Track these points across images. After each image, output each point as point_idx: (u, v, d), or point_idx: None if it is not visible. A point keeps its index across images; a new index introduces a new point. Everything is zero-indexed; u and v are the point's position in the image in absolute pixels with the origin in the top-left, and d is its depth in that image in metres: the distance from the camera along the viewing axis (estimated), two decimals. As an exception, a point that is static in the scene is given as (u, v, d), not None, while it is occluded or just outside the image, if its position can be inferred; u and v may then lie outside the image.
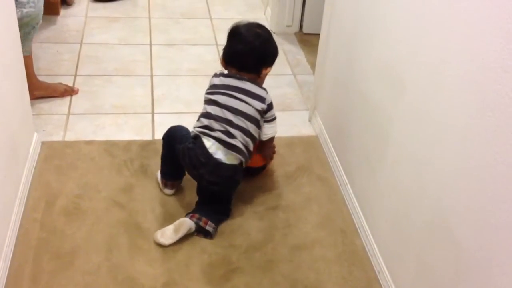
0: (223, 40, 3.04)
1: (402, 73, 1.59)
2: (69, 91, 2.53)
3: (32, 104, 2.15)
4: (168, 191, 2.02)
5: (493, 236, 1.17)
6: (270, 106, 1.94)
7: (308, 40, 3.14)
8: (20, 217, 1.84)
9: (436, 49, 1.40)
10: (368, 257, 1.83)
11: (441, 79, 1.37)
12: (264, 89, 1.94)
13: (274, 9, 3.19)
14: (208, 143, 1.83)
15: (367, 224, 1.87)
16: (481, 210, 1.21)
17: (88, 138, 2.26)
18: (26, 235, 1.80)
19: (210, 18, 3.35)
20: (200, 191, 1.96)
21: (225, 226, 1.91)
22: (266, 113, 1.93)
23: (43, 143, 2.19)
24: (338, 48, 2.16)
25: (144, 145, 2.24)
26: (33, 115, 2.19)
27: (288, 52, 3.03)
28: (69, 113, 2.40)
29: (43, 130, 2.26)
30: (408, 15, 1.55)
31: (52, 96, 2.49)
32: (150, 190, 2.02)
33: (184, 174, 2.03)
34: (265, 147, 2.04)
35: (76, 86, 2.58)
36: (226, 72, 1.96)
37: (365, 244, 1.87)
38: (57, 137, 2.25)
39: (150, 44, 3.00)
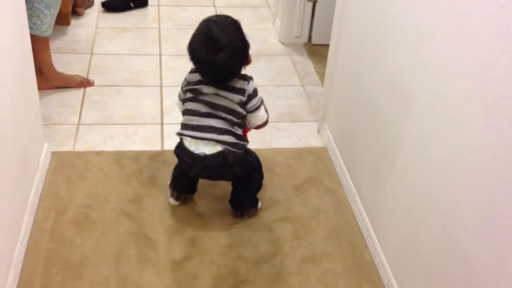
0: (232, 51, 3.08)
1: (410, 85, 1.59)
2: (85, 83, 2.66)
3: (42, 114, 2.17)
4: (173, 201, 2.01)
5: (504, 252, 1.17)
6: (251, 96, 1.85)
7: (317, 51, 3.14)
8: (30, 228, 1.85)
9: (445, 61, 1.39)
10: (377, 270, 1.83)
11: (450, 91, 1.37)
12: (245, 78, 1.85)
13: (283, 20, 3.21)
14: (187, 142, 1.82)
15: (376, 236, 1.86)
16: (491, 225, 1.21)
17: (97, 149, 2.27)
18: (35, 246, 1.81)
19: (219, 28, 3.35)
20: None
21: (234, 237, 1.91)
22: (246, 104, 1.84)
23: (53, 153, 2.20)
24: (347, 59, 2.17)
25: (153, 156, 2.25)
26: (44, 125, 2.20)
27: (297, 63, 3.04)
28: (79, 123, 2.41)
29: (53, 140, 2.28)
30: (416, 27, 1.55)
31: (68, 86, 2.61)
32: (159, 201, 2.03)
33: (196, 190, 2.04)
34: (258, 129, 2.01)
35: (86, 96, 2.60)
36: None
37: (374, 257, 1.86)
38: (67, 147, 2.26)
39: (160, 55, 3.01)
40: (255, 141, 2.39)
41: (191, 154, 1.81)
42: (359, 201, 2.01)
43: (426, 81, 1.50)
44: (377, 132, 1.86)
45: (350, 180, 2.10)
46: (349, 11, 2.11)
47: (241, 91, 1.83)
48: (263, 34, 3.33)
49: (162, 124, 2.46)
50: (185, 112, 1.87)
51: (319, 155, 2.34)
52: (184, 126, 1.86)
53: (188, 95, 1.87)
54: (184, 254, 1.83)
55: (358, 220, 2.01)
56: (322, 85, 2.61)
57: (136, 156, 2.24)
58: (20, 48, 1.84)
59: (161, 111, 2.55)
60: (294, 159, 2.31)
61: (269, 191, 2.13)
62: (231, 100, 1.81)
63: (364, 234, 1.95)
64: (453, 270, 1.37)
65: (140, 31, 3.25)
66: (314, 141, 2.44)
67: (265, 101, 2.73)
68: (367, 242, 1.92)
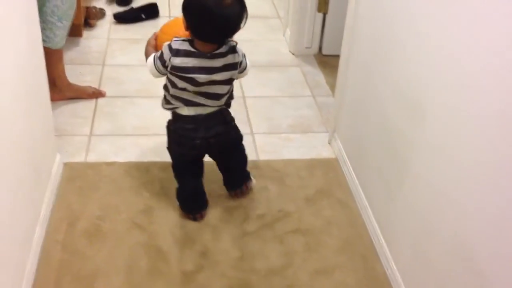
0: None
1: (421, 98, 1.59)
2: (96, 94, 2.70)
3: (54, 125, 2.18)
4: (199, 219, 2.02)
5: (519, 267, 1.16)
6: (242, 63, 1.88)
7: (328, 61, 3.15)
8: (42, 239, 1.86)
9: (456, 73, 1.39)
10: (389, 283, 1.81)
11: (462, 103, 1.36)
12: (235, 50, 1.84)
13: (294, 30, 3.21)
14: (185, 110, 1.87)
15: (388, 249, 1.85)
16: (505, 236, 1.20)
17: (109, 160, 2.28)
18: (47, 257, 1.81)
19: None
20: (220, 166, 2.09)
21: (245, 249, 1.91)
22: (237, 71, 1.88)
23: (65, 164, 2.22)
24: (357, 70, 2.17)
25: (164, 167, 2.25)
26: (56, 136, 2.21)
27: (307, 74, 3.04)
28: (91, 134, 2.43)
29: (66, 151, 2.29)
30: (427, 39, 1.55)
31: (81, 97, 2.66)
32: (170, 213, 2.03)
33: (207, 203, 2.06)
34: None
35: (97, 108, 2.61)
36: (191, 48, 1.78)
37: (386, 269, 1.85)
38: (79, 158, 2.28)
39: (171, 66, 3.02)
40: (265, 152, 2.40)
41: (192, 117, 1.86)
42: (370, 213, 2.00)
43: (437, 92, 1.50)
44: (388, 143, 1.85)
45: (361, 192, 2.10)
46: (360, 22, 2.12)
47: (234, 66, 1.85)
48: (273, 45, 3.34)
49: (173, 135, 2.47)
50: (174, 86, 1.85)
51: (330, 167, 2.34)
52: (177, 98, 1.87)
53: (176, 79, 1.82)
54: (195, 266, 1.83)
55: (369, 232, 2.00)
56: (333, 95, 2.61)
57: (148, 167, 2.25)
58: (33, 61, 1.86)
59: (172, 122, 2.56)
60: (305, 171, 2.30)
61: (280, 203, 2.12)
62: (226, 76, 1.83)
63: (376, 247, 1.94)
64: (466, 282, 1.36)
65: (151, 42, 3.27)
66: (325, 152, 2.43)
67: (275, 113, 2.74)
68: (379, 254, 1.91)
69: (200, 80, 1.79)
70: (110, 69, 2.95)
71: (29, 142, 1.77)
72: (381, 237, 1.90)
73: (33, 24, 1.86)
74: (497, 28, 1.22)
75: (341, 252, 1.93)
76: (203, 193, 2.05)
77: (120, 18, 3.47)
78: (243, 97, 2.79)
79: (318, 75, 3.04)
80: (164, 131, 2.48)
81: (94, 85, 2.77)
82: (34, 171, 1.82)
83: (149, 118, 2.57)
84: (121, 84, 2.83)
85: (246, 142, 2.43)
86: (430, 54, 1.55)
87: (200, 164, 2.05)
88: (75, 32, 3.18)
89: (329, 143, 2.48)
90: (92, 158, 2.29)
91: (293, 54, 3.24)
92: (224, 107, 1.92)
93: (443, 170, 1.47)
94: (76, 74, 2.86)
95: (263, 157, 2.38)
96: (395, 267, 1.79)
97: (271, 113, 2.68)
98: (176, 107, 1.89)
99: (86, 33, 3.29)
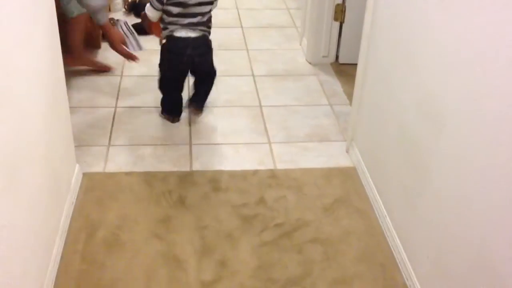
0: (260, 71, 3.11)
1: (441, 107, 1.58)
2: (103, 67, 3.01)
3: (74, 137, 2.20)
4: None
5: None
6: None
7: (345, 70, 3.14)
8: (62, 249, 1.87)
9: (477, 82, 1.38)
10: (409, 293, 1.80)
11: (483, 113, 1.35)
12: None
13: (310, 39, 3.21)
14: (178, 32, 2.42)
15: (408, 259, 1.83)
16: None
17: (128, 169, 2.29)
18: (67, 267, 1.82)
19: (247, 49, 3.38)
20: (195, 81, 2.67)
21: (263, 259, 1.90)
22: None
23: (84, 174, 2.23)
24: (375, 79, 2.16)
25: (182, 177, 2.26)
26: (75, 146, 2.23)
27: (324, 83, 3.04)
28: (109, 144, 2.44)
29: (84, 162, 2.31)
30: (445, 48, 1.54)
31: (91, 67, 2.99)
32: (188, 222, 2.03)
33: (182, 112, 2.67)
34: None
35: (116, 118, 2.63)
36: None
37: (405, 280, 1.83)
38: (98, 168, 2.29)
39: (188, 76, 3.03)
40: (283, 161, 2.40)
41: (183, 39, 2.42)
42: (390, 222, 1.99)
43: (457, 102, 1.48)
44: (407, 153, 1.84)
45: (380, 201, 2.08)
46: (377, 31, 2.11)
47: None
48: (290, 54, 3.34)
49: (190, 145, 2.48)
50: (170, 15, 2.40)
51: (348, 175, 2.32)
52: (172, 23, 2.41)
53: (172, 7, 2.38)
54: (213, 275, 1.83)
55: (389, 242, 1.98)
56: (350, 104, 2.60)
57: (165, 177, 2.25)
58: (53, 72, 1.88)
59: (189, 132, 2.57)
60: (323, 179, 2.30)
61: (298, 212, 2.11)
62: (207, 1, 2.41)
63: (395, 256, 1.92)
64: (489, 294, 1.34)
65: (168, 53, 3.28)
66: (343, 161, 2.42)
67: (293, 122, 2.74)
68: (399, 264, 1.89)
69: (190, 2, 2.36)
70: (128, 80, 2.98)
71: (49, 153, 1.79)
72: (401, 247, 1.88)
73: (54, 36, 1.88)
74: (517, 35, 1.21)
75: (360, 261, 1.91)
76: (181, 104, 2.65)
77: (137, 30, 3.49)
78: (260, 106, 2.79)
79: (335, 84, 3.04)
80: (181, 140, 2.50)
81: (112, 96, 2.80)
82: (53, 181, 1.84)
83: (167, 128, 2.59)
84: (138, 95, 2.84)
85: (263, 151, 2.45)
86: (449, 63, 1.53)
87: (182, 83, 2.62)
88: (93, 43, 3.22)
89: (346, 152, 2.47)
90: (111, 168, 2.30)
91: (310, 63, 3.24)
92: (207, 33, 2.48)
93: (465, 180, 1.46)
94: (94, 85, 2.89)
95: (280, 166, 2.38)
96: (415, 278, 1.77)
97: (288, 122, 2.68)
98: (172, 31, 2.42)
99: (104, 45, 3.31)
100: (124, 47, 2.79)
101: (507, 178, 1.26)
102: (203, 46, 2.50)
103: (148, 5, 2.44)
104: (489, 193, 1.34)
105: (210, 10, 2.47)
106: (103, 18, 2.64)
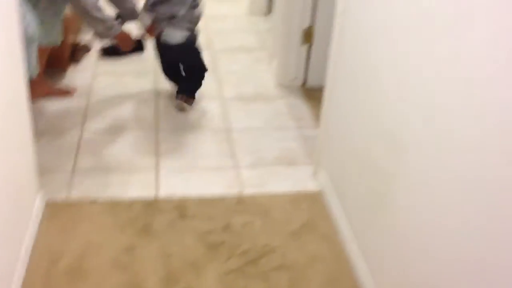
0: (229, 94, 3.10)
1: (402, 133, 1.59)
2: (65, 92, 2.95)
3: (37, 161, 2.16)
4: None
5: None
6: None
7: (313, 93, 3.15)
8: (22, 279, 1.83)
9: (437, 108, 1.39)
10: (375, 319, 1.79)
11: (443, 139, 1.36)
12: None
13: (279, 62, 3.23)
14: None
15: (374, 283, 1.83)
16: (486, 276, 1.19)
17: (92, 197, 2.25)
18: (27, 299, 1.78)
19: (216, 72, 3.38)
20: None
21: (229, 287, 1.88)
22: None
23: (47, 202, 2.19)
24: (341, 103, 2.17)
25: (148, 204, 2.23)
26: (38, 172, 2.19)
27: (293, 106, 3.05)
28: (74, 171, 2.41)
29: (47, 189, 2.26)
30: (406, 74, 1.56)
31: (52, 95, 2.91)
32: (153, 250, 2.00)
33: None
34: None
35: (81, 143, 2.60)
36: None
37: (371, 306, 1.83)
38: (61, 196, 2.25)
39: (156, 99, 3.02)
40: (251, 185, 2.39)
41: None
42: (356, 246, 1.98)
43: (417, 126, 1.50)
44: (371, 178, 1.84)
45: (347, 226, 2.08)
46: (343, 55, 2.13)
47: None
48: (259, 77, 3.35)
49: (157, 170, 2.45)
50: None
51: (316, 200, 2.32)
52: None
53: None
54: (177, 305, 1.80)
55: (355, 266, 1.97)
56: (318, 128, 2.61)
57: (131, 204, 2.22)
58: (15, 96, 1.84)
59: (156, 157, 2.55)
60: (290, 204, 2.29)
61: (265, 238, 2.10)
62: None
63: (362, 281, 1.91)
64: (450, 323, 1.34)
65: (137, 76, 3.27)
66: (311, 185, 2.42)
67: (261, 145, 2.74)
68: (365, 289, 1.88)
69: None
70: (95, 103, 2.94)
71: (10, 180, 1.75)
72: (368, 272, 1.88)
73: (16, 60, 1.84)
74: (474, 64, 1.23)
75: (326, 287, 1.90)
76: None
77: (106, 53, 3.47)
78: (229, 129, 2.79)
79: (303, 107, 3.05)
80: (148, 166, 2.48)
81: (79, 119, 2.76)
82: (14, 210, 1.80)
83: (133, 153, 2.56)
84: (105, 118, 2.82)
85: (231, 176, 2.43)
86: (409, 88, 1.55)
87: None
88: (60, 65, 3.19)
89: (314, 176, 2.47)
90: (75, 195, 2.26)
91: (279, 86, 3.25)
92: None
93: (426, 206, 1.46)
94: (61, 108, 2.85)
95: (248, 191, 2.37)
96: (380, 303, 1.77)
97: (257, 145, 2.67)
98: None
99: (71, 67, 3.28)
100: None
101: (467, 203, 1.27)
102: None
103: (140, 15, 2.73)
104: (449, 221, 1.34)
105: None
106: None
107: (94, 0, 2.62)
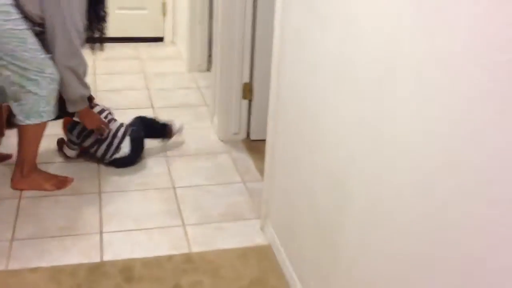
0: (172, 151, 3.09)
1: (345, 179, 1.62)
2: (64, 181, 2.73)
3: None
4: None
5: None
6: None
7: (256, 146, 3.18)
8: None
9: (380, 157, 1.43)
10: None
11: (386, 189, 1.40)
12: None
13: (221, 117, 3.26)
14: None
15: (326, 337, 1.81)
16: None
17: (33, 265, 2.16)
18: None
19: (158, 129, 3.36)
20: None
21: None
22: None
23: (-16, 274, 2.09)
24: (284, 155, 2.20)
25: (93, 269, 2.16)
26: (-26, 244, 2.10)
27: (237, 160, 3.06)
28: (12, 239, 2.31)
29: (-14, 260, 2.16)
30: (342, 125, 1.60)
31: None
32: (99, 318, 1.93)
33: None
34: None
35: (20, 209, 2.51)
36: None
37: None
38: (0, 266, 2.15)
39: (98, 161, 2.97)
40: (198, 243, 2.36)
41: None
42: (306, 300, 1.97)
43: (360, 174, 1.53)
44: (318, 227, 1.86)
45: (296, 279, 2.07)
46: (282, 106, 2.17)
47: None
48: (201, 132, 3.37)
49: (101, 233, 2.39)
50: None
51: (264, 254, 2.31)
52: None
53: None
54: None
55: (307, 320, 1.96)
56: (263, 181, 2.62)
57: (74, 270, 2.14)
58: None
59: (100, 219, 2.48)
60: (239, 260, 2.27)
61: (214, 297, 2.06)
62: None
63: (314, 335, 1.90)
64: None
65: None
66: (258, 239, 2.41)
67: (206, 202, 2.72)
68: None
69: None
70: (34, 168, 2.86)
71: None
72: (319, 325, 1.87)
73: None
74: (407, 112, 1.28)
75: None
76: None
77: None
78: (174, 187, 2.76)
79: (247, 160, 3.07)
80: (91, 229, 2.40)
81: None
82: None
83: (75, 217, 2.49)
84: (45, 183, 2.73)
85: (177, 234, 2.39)
86: (347, 136, 1.59)
87: None
88: (-4, 131, 3.10)
89: (261, 230, 2.47)
90: (14, 265, 2.16)
91: (221, 140, 3.27)
92: None
93: (372, 255, 1.48)
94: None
95: (195, 249, 2.33)
96: None
97: (202, 202, 2.65)
98: None
99: (8, 132, 3.19)
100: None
101: (410, 254, 1.29)
102: None
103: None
104: (396, 268, 1.36)
105: None
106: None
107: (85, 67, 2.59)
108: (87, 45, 2.73)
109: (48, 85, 2.44)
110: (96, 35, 2.73)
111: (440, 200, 1.15)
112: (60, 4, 2.37)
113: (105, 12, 2.72)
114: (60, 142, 3.03)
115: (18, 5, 2.33)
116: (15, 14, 2.31)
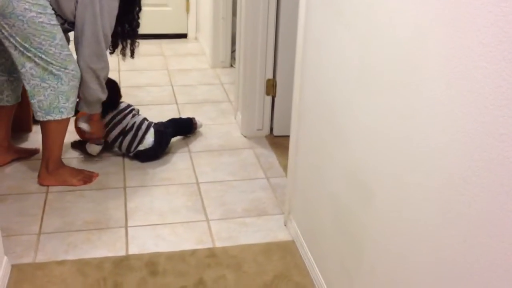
0: (196, 147, 3.11)
1: (368, 178, 1.61)
2: (88, 177, 2.77)
3: (0, 225, 2.11)
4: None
5: None
6: None
7: (280, 142, 3.19)
8: None
9: (399, 154, 1.42)
10: None
11: (407, 187, 1.39)
12: None
13: (244, 113, 3.27)
14: None
15: (350, 333, 1.81)
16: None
17: (59, 258, 2.19)
18: None
19: (182, 125, 3.38)
20: None
21: None
22: None
23: (13, 266, 2.12)
24: (307, 151, 2.20)
25: (118, 262, 2.18)
26: (3, 236, 2.13)
27: (260, 156, 3.07)
28: (40, 233, 2.35)
29: (13, 253, 2.20)
30: (364, 124, 1.59)
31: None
32: (124, 311, 1.95)
33: None
34: None
35: (47, 204, 2.55)
36: None
37: None
38: (28, 259, 2.19)
39: (123, 156, 3.00)
40: (221, 238, 2.37)
41: None
42: (330, 296, 1.97)
43: (383, 174, 1.52)
44: (341, 225, 1.85)
45: (319, 275, 2.07)
46: (306, 104, 2.17)
47: None
48: (225, 129, 3.38)
49: (126, 227, 2.42)
50: None
51: (287, 250, 2.31)
52: None
53: None
54: None
55: (331, 316, 1.96)
56: (286, 176, 2.62)
57: (100, 263, 2.17)
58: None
59: (125, 214, 2.51)
60: (262, 255, 2.27)
61: (238, 291, 2.07)
62: None
63: (338, 331, 1.90)
64: None
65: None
66: (282, 235, 2.42)
67: (230, 197, 2.73)
68: None
69: None
70: (60, 163, 2.90)
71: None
72: (343, 321, 1.86)
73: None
74: (432, 108, 1.27)
75: None
76: None
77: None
78: (197, 183, 2.78)
79: (271, 156, 3.07)
80: (116, 223, 2.43)
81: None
82: (-23, 278, 1.73)
83: (101, 211, 2.52)
84: (71, 178, 2.77)
85: (201, 229, 2.41)
86: (369, 136, 1.58)
87: None
88: (23, 126, 3.15)
89: (285, 225, 2.47)
90: (41, 258, 2.20)
91: (245, 136, 3.28)
92: None
93: (396, 254, 1.47)
94: (24, 170, 2.81)
95: (219, 244, 2.34)
96: None
97: (226, 198, 2.67)
98: None
99: (35, 127, 3.25)
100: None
101: (434, 249, 1.28)
102: None
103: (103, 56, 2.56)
104: (419, 266, 1.35)
105: None
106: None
107: (107, 72, 2.62)
108: (119, 51, 2.77)
109: (69, 81, 2.46)
110: (126, 42, 2.76)
111: (466, 203, 1.14)
112: (93, 4, 2.40)
113: (137, 22, 2.74)
114: (76, 144, 3.06)
115: (55, 1, 2.38)
116: (50, 9, 2.36)
